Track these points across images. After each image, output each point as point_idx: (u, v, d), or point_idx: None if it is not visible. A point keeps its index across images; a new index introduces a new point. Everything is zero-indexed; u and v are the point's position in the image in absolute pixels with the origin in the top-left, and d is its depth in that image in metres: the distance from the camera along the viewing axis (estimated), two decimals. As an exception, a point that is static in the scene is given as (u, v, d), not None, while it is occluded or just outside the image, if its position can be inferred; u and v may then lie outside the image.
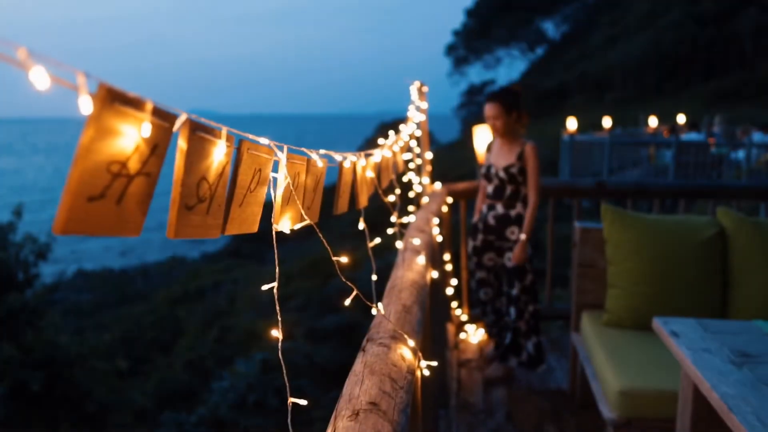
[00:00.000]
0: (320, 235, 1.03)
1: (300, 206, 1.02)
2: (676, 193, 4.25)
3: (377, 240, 1.43)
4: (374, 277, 1.45)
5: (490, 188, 3.59)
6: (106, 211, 0.55)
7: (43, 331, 7.85)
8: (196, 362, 10.34)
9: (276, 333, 0.92)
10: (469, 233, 3.75)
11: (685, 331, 1.91)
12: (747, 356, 1.72)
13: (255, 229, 0.88)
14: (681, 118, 16.69)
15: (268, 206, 0.92)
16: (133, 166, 0.57)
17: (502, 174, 3.49)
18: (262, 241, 20.94)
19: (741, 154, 11.49)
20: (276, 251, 0.93)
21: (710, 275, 2.84)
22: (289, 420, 0.84)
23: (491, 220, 3.57)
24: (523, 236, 3.44)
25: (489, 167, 3.58)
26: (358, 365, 0.97)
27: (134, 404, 8.69)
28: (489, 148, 3.69)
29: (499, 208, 3.54)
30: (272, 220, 0.93)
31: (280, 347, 0.91)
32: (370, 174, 1.55)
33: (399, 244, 2.08)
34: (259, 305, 12.06)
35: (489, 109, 3.47)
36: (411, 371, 1.04)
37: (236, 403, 7.47)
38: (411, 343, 1.14)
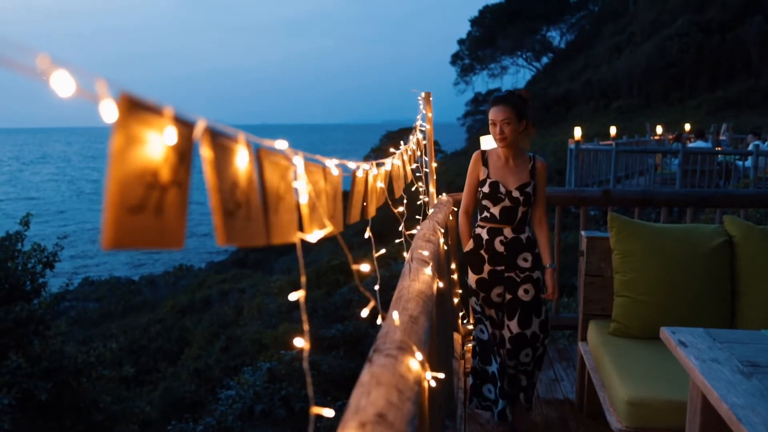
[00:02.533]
0: (343, 245, 1.03)
1: (324, 215, 1.02)
2: (683, 201, 4.24)
3: (383, 251, 1.44)
4: (376, 287, 1.45)
5: (494, 210, 3.05)
6: (149, 223, 0.55)
7: (50, 341, 7.88)
8: (202, 372, 10.34)
9: (301, 342, 0.92)
10: (468, 264, 3.18)
11: (693, 341, 1.90)
12: (756, 366, 1.71)
13: (295, 238, 0.87)
14: (687, 127, 16.67)
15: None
16: (165, 175, 0.57)
17: (516, 194, 3.00)
18: (269, 251, 21.00)
19: (749, 162, 11.47)
20: (301, 260, 0.93)
21: (718, 284, 2.82)
22: (310, 430, 0.84)
23: (499, 247, 3.05)
24: (550, 265, 3.13)
25: (495, 185, 3.04)
26: (365, 376, 0.97)
27: (141, 413, 8.69)
28: (485, 162, 3.12)
29: (507, 233, 3.04)
30: (296, 228, 0.93)
31: (305, 357, 0.90)
32: (380, 184, 1.56)
33: (405, 255, 2.08)
34: (266, 315, 12.06)
35: (499, 112, 2.95)
36: (418, 382, 1.04)
37: (243, 413, 7.47)
38: (418, 353, 1.14)
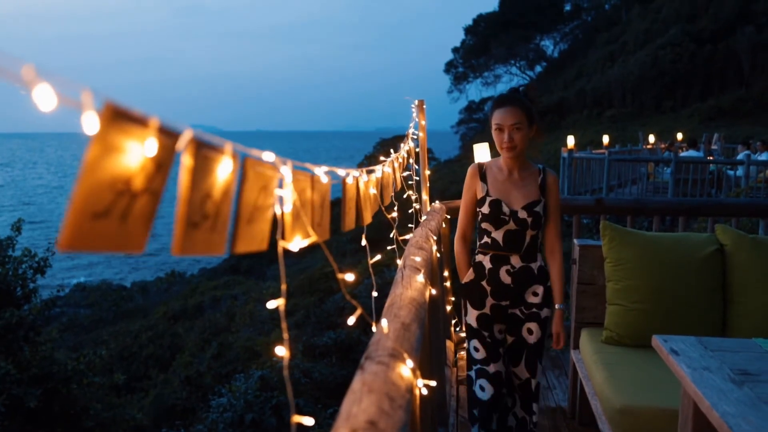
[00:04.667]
0: (327, 253, 1.03)
1: (308, 223, 1.02)
2: (675, 210, 4.26)
3: (378, 257, 1.44)
4: (375, 294, 1.45)
5: (497, 234, 2.51)
6: (111, 228, 0.55)
7: (40, 347, 7.82)
8: (194, 379, 10.29)
9: (282, 350, 0.91)
10: (466, 298, 2.65)
11: (685, 349, 1.91)
12: (747, 374, 1.71)
13: (265, 246, 0.87)
14: (680, 136, 16.79)
15: (272, 223, 0.91)
16: (139, 184, 0.57)
17: (522, 214, 2.47)
18: (261, 257, 20.95)
19: (739, 171, 11.56)
20: (282, 269, 0.93)
21: (710, 293, 2.83)
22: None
23: (505, 278, 2.52)
24: (559, 306, 2.60)
25: (497, 204, 2.50)
26: (356, 383, 0.96)
27: (131, 421, 8.64)
28: (483, 176, 2.58)
29: (515, 261, 2.51)
30: (278, 237, 0.92)
31: (286, 365, 0.90)
32: (373, 191, 1.56)
33: (398, 262, 2.08)
34: (258, 322, 12.02)
35: (507, 115, 2.40)
36: (410, 389, 1.03)
37: (234, 422, 7.42)
38: (410, 361, 1.14)
